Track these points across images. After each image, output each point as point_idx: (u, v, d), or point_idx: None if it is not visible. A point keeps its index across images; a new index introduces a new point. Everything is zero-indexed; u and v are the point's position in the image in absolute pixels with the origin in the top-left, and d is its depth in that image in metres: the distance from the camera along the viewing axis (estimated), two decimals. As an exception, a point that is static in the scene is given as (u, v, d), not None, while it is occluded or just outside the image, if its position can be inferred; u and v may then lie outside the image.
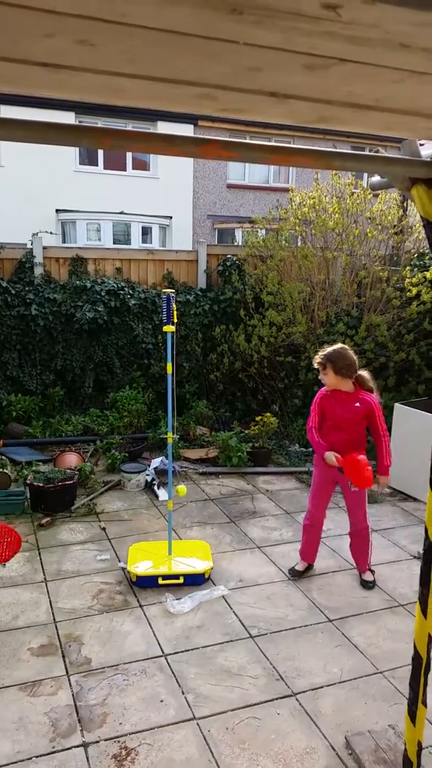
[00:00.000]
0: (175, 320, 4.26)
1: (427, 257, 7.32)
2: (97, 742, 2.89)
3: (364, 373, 4.20)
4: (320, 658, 3.54)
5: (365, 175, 12.88)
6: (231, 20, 0.98)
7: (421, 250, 7.39)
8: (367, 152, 1.95)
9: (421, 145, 1.97)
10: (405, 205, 7.35)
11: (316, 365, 4.18)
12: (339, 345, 4.19)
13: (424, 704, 2.50)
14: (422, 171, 1.84)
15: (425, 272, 6.97)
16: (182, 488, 4.37)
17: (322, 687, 3.31)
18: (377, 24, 0.96)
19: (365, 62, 1.14)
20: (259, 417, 6.75)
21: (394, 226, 7.29)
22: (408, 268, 7.20)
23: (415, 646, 2.46)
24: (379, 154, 1.78)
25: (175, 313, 4.26)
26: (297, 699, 3.22)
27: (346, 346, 4.18)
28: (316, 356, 4.16)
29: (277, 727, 3.02)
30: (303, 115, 1.55)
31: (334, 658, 3.55)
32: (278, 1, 0.88)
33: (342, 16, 0.95)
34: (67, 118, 14.03)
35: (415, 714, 2.50)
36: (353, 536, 4.38)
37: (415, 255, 7.43)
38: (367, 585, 4.34)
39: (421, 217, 1.91)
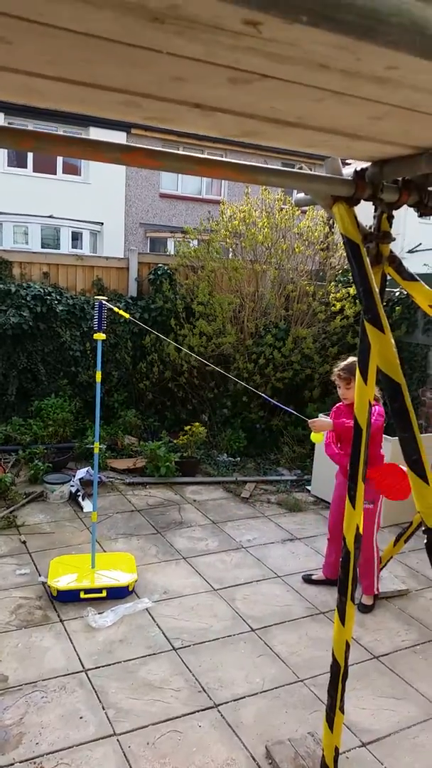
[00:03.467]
0: (128, 317, 4.34)
1: (350, 273, 7.56)
2: (12, 764, 2.77)
3: None
4: (242, 669, 3.55)
5: (294, 191, 13.22)
6: (153, 28, 0.98)
7: (345, 267, 7.63)
8: (294, 169, 1.99)
9: (347, 164, 2.03)
10: (331, 222, 7.58)
11: (338, 379, 4.09)
12: (353, 357, 4.02)
13: (342, 711, 2.55)
14: (343, 189, 1.89)
15: (349, 288, 7.20)
16: (319, 436, 3.93)
17: (243, 697, 3.31)
18: (296, 43, 0.98)
19: (286, 79, 1.17)
20: (188, 426, 6.75)
21: (321, 242, 7.50)
22: (333, 283, 7.42)
23: (333, 654, 2.50)
24: (302, 171, 1.82)
25: (126, 314, 4.30)
26: (219, 710, 3.20)
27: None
28: (337, 370, 4.09)
29: (199, 740, 2.99)
30: (228, 129, 1.57)
31: (257, 668, 3.56)
32: (198, 14, 0.88)
33: (262, 33, 0.96)
34: (-4, 118, 13.67)
35: (333, 720, 2.54)
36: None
37: (340, 271, 7.67)
38: (360, 607, 4.19)
39: (341, 234, 1.96)
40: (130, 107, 1.42)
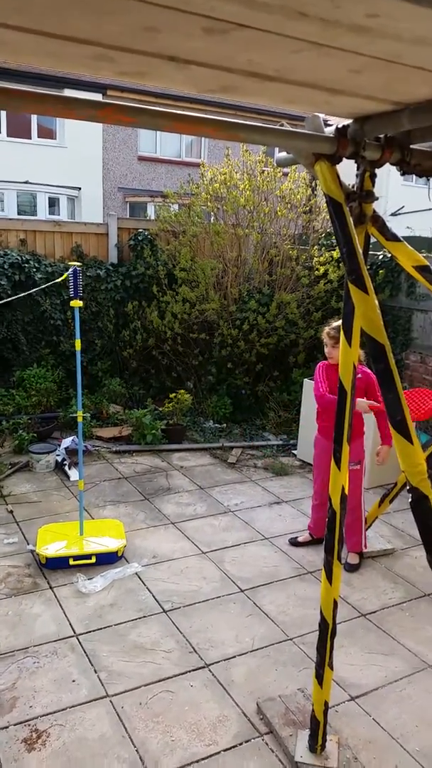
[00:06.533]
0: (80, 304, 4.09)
1: (333, 236, 7.49)
2: (6, 727, 2.83)
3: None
4: (232, 629, 3.62)
5: (275, 152, 12.99)
6: (122, -27, 0.93)
7: (328, 230, 7.55)
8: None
9: (329, 124, 1.98)
10: (313, 185, 7.47)
11: (327, 338, 4.12)
12: None
13: (331, 667, 2.61)
14: (325, 147, 1.85)
15: (332, 251, 7.14)
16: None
17: (234, 657, 3.38)
18: (273, -13, 0.94)
19: (264, 29, 1.12)
20: (174, 394, 6.74)
21: (303, 205, 7.40)
22: (316, 247, 7.36)
23: (321, 612, 2.55)
24: (283, 128, 1.78)
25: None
26: (210, 670, 3.27)
27: None
28: (328, 328, 4.12)
29: (191, 699, 3.06)
30: (205, 83, 1.51)
31: (246, 628, 3.63)
32: None
33: (238, -24, 0.92)
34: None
35: (323, 676, 2.61)
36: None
37: (323, 234, 7.59)
38: (346, 566, 4.21)
39: (324, 193, 1.93)
40: (102, 61, 1.37)
